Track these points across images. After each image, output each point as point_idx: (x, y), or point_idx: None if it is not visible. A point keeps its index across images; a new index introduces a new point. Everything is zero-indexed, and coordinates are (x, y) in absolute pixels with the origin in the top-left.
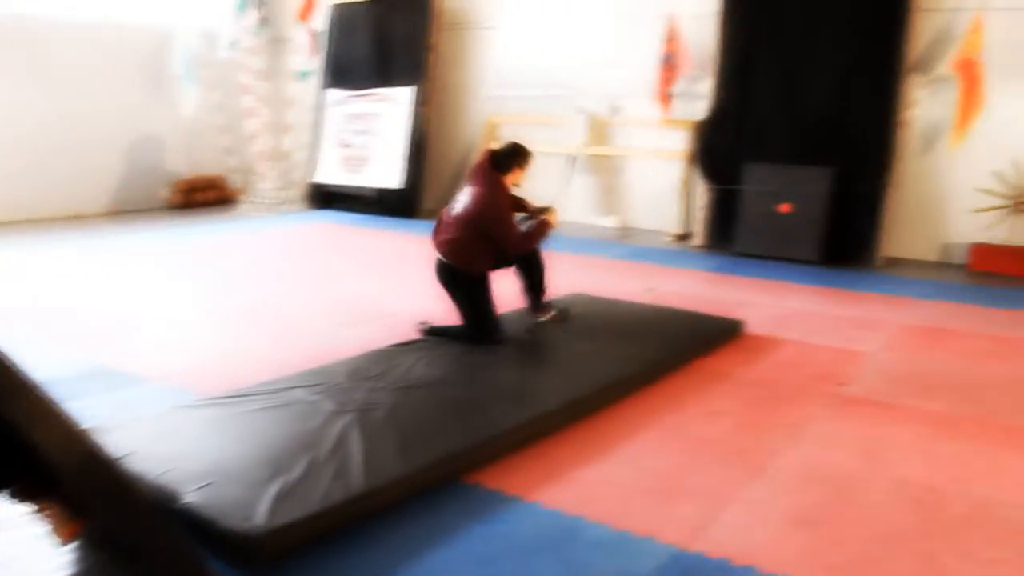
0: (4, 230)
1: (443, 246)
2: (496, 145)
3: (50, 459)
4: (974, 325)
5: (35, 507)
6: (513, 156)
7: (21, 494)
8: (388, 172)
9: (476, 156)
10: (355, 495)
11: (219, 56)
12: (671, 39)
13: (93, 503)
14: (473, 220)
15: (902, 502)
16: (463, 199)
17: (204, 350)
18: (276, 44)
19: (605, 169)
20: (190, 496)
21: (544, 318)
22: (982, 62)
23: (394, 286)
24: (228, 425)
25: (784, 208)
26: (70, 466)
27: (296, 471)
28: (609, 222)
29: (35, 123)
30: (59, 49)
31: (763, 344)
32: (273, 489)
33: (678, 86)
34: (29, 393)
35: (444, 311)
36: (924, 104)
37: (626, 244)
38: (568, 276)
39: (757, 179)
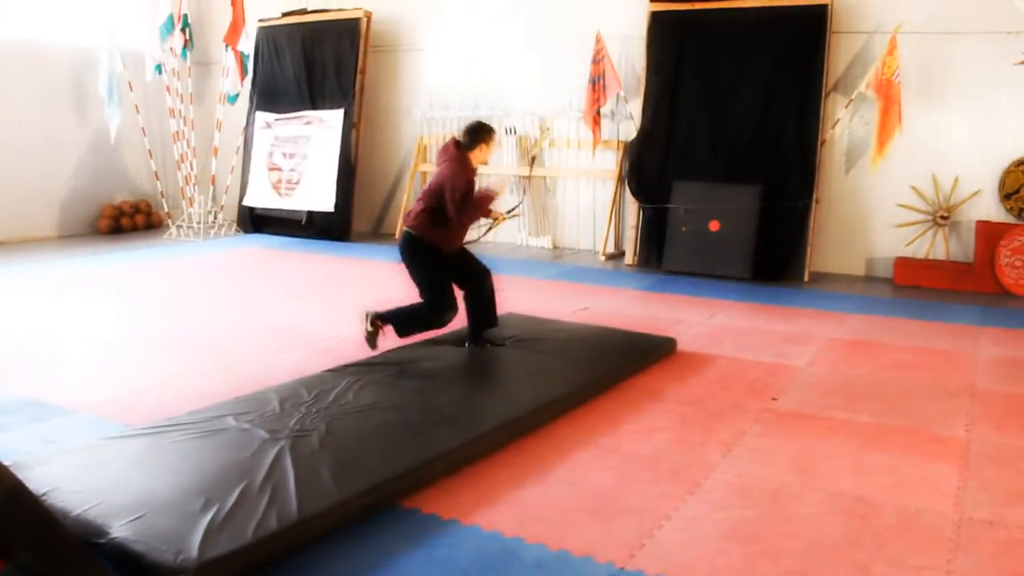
0: None
1: (408, 217)
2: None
3: None
4: (899, 337)
5: None
6: (477, 133)
7: None
8: (319, 195)
9: (406, 180)
10: (290, 524)
11: (144, 79)
12: (598, 60)
13: (15, 541)
14: (435, 190)
15: (834, 513)
16: (430, 178)
17: (132, 379)
18: (203, 67)
19: (536, 190)
20: (118, 530)
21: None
22: (899, 82)
23: (327, 310)
24: (157, 456)
25: (713, 226)
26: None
27: (229, 501)
28: (541, 242)
29: None
30: None
31: (696, 361)
32: (205, 521)
33: (607, 106)
34: None
35: (385, 331)
36: (846, 123)
37: (558, 264)
38: (500, 296)
39: (686, 197)
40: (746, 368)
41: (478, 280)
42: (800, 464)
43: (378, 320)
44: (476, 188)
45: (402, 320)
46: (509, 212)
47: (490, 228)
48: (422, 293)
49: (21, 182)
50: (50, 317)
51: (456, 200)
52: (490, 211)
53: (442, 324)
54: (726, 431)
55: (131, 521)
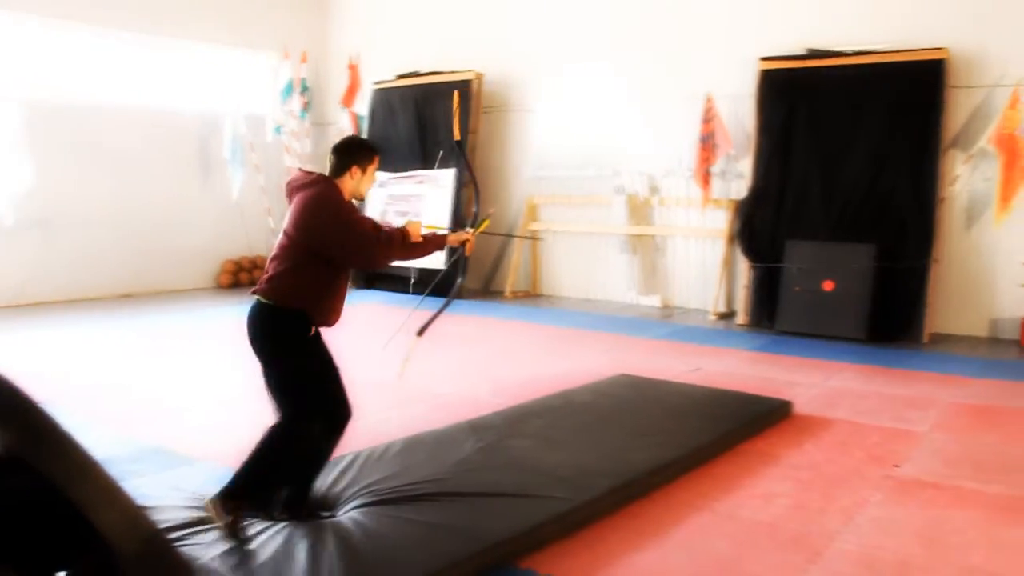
0: (60, 309)
1: (259, 284)
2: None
3: (111, 541)
4: None
5: None
6: (350, 152)
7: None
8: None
9: (517, 239)
10: None
11: (265, 140)
12: (709, 119)
13: None
14: (303, 231)
15: None
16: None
17: (253, 430)
18: (320, 128)
19: (646, 248)
20: None
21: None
22: (1022, 136)
23: (438, 366)
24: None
25: (827, 286)
26: (130, 550)
27: (350, 558)
28: (651, 301)
29: (90, 205)
30: (116, 134)
31: (812, 424)
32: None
33: (717, 165)
34: (94, 475)
35: (488, 393)
36: (965, 180)
37: (669, 323)
38: (610, 356)
39: (799, 257)
40: (865, 433)
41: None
42: (927, 536)
43: (228, 502)
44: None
45: (255, 479)
46: (476, 224)
47: (460, 269)
48: (281, 395)
49: (149, 238)
50: (174, 367)
51: (363, 238)
52: (443, 239)
53: (311, 441)
54: (846, 498)
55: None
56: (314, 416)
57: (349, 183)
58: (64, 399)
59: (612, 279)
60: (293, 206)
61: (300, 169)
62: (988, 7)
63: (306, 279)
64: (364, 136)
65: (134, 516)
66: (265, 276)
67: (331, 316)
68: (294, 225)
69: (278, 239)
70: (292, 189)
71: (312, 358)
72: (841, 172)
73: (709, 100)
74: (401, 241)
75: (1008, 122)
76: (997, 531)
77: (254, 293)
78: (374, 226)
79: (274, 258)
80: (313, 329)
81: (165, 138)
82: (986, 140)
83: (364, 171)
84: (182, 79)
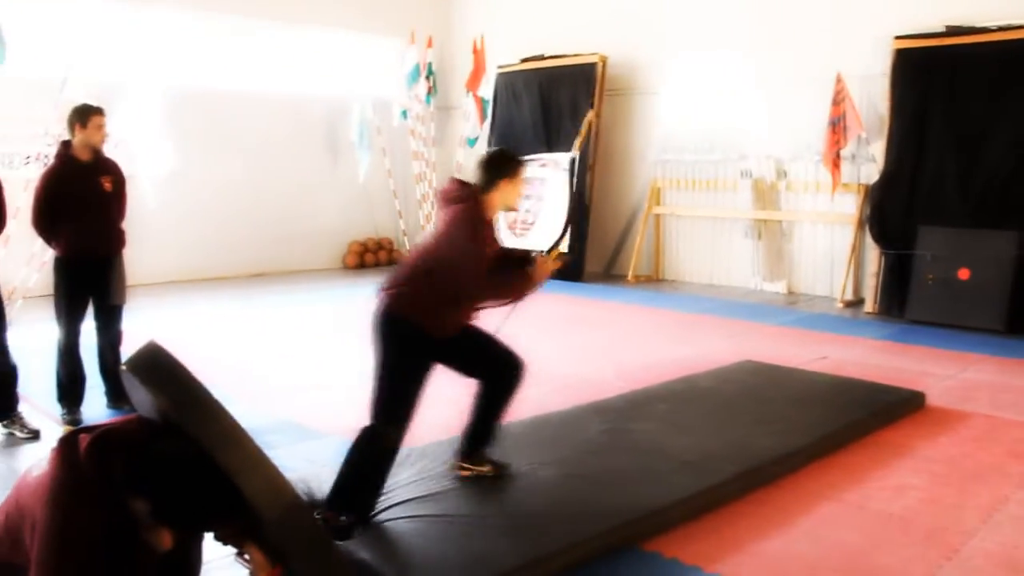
0: (197, 287)
1: (384, 290)
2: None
3: (256, 506)
4: None
5: (238, 549)
6: (498, 166)
7: (227, 537)
8: (553, 236)
9: (639, 222)
10: (531, 559)
11: (391, 124)
12: (839, 100)
13: (291, 550)
14: (431, 253)
15: None
16: (430, 231)
17: None
18: (444, 112)
19: (772, 233)
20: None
21: (467, 472)
22: None
23: (562, 349)
24: (405, 486)
25: (963, 274)
26: (273, 515)
27: (470, 535)
28: (776, 287)
29: (224, 188)
30: (249, 119)
31: (947, 417)
32: (447, 553)
33: (847, 148)
34: (241, 442)
35: (612, 375)
36: None
37: (794, 310)
38: (735, 341)
39: (933, 243)
40: (1005, 428)
41: (500, 367)
42: None
43: (328, 513)
44: (496, 247)
45: (348, 488)
46: (551, 252)
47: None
48: (378, 393)
49: (280, 220)
50: (304, 345)
51: (475, 280)
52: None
53: (386, 447)
54: (985, 495)
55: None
56: (395, 420)
57: (497, 197)
58: (203, 374)
59: (736, 264)
60: (441, 218)
61: (454, 179)
62: None
63: (425, 290)
64: (488, 119)
65: (277, 483)
66: (393, 279)
67: (447, 327)
68: (435, 237)
69: (415, 249)
70: (443, 200)
71: (416, 368)
72: (980, 155)
73: (840, 81)
74: (503, 291)
75: None
76: None
77: (384, 291)
78: (499, 256)
79: (406, 263)
80: (426, 337)
81: (296, 122)
82: None
83: (512, 182)
84: (312, 65)
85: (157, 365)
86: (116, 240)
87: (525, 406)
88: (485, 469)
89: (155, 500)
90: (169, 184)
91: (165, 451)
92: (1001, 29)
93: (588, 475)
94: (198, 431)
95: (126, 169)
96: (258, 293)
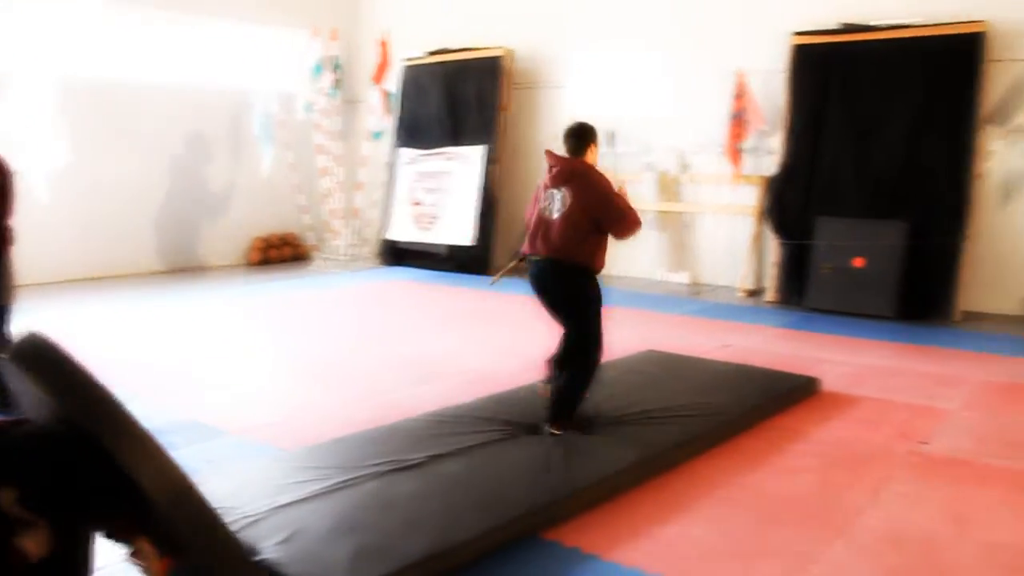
0: (93, 286)
1: (556, 244)
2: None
3: (146, 491)
4: None
5: (129, 546)
6: (586, 134)
7: (116, 532)
8: (459, 230)
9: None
10: (434, 552)
11: (295, 118)
12: (740, 95)
13: (182, 539)
14: (588, 210)
15: (993, 567)
16: (560, 196)
17: (281, 405)
18: (350, 105)
19: (675, 225)
20: (268, 552)
21: (557, 430)
22: None
23: (466, 343)
24: (308, 481)
25: (858, 263)
26: (164, 499)
27: (374, 529)
28: (679, 278)
29: (123, 182)
30: (148, 113)
31: (840, 401)
32: (351, 547)
33: (748, 141)
34: (129, 427)
35: (518, 368)
36: (1001, 156)
37: (697, 300)
38: (639, 332)
39: (829, 234)
40: (893, 410)
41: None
42: (954, 512)
43: (561, 424)
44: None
45: (573, 401)
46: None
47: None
48: (582, 330)
49: (180, 216)
50: (205, 344)
51: (629, 215)
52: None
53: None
54: (873, 475)
55: (279, 543)
56: (599, 339)
57: (590, 157)
58: (100, 372)
59: (641, 256)
60: (569, 186)
61: (556, 155)
62: None
63: (593, 240)
64: (394, 113)
65: (167, 467)
66: (551, 240)
67: (602, 266)
68: (582, 202)
69: (556, 211)
70: (563, 175)
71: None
72: (874, 148)
73: (740, 76)
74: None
75: None
76: (1022, 507)
77: (546, 254)
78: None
79: (556, 225)
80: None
81: (197, 116)
82: None
83: (596, 144)
84: (214, 57)
85: (40, 353)
86: (1, 238)
87: (428, 401)
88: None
89: (22, 485)
90: (63, 179)
91: (30, 429)
92: (892, 27)
93: (489, 467)
94: (84, 416)
95: (13, 163)
96: (158, 291)
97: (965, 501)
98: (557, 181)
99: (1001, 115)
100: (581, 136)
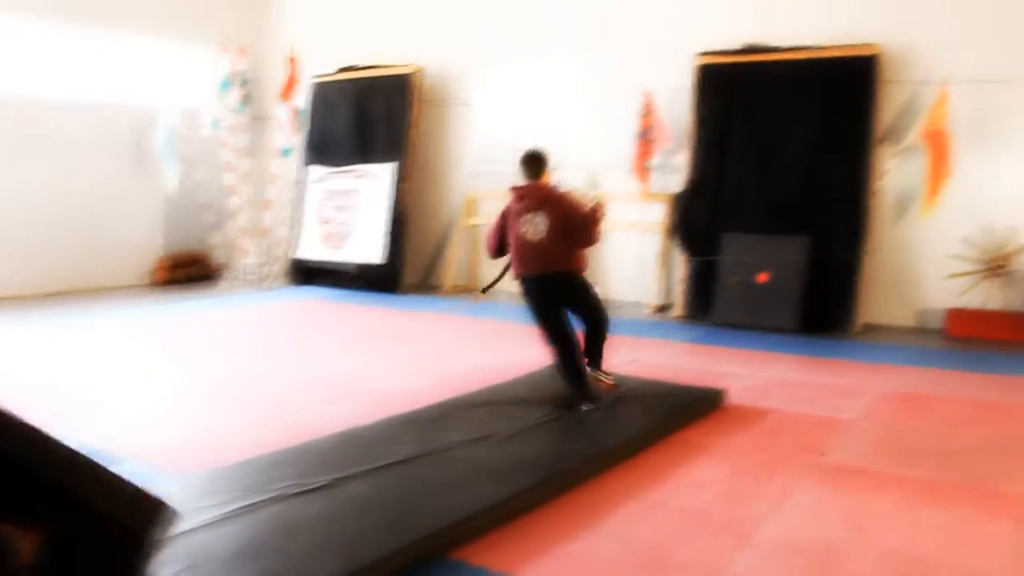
0: None
1: (546, 261)
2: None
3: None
4: (953, 390)
5: None
6: (543, 159)
7: None
8: (369, 248)
9: (455, 233)
10: (340, 575)
11: (202, 134)
12: (647, 113)
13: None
14: (561, 225)
15: (888, 572)
16: (537, 220)
17: (185, 428)
18: (258, 122)
19: None
20: None
21: (606, 380)
22: (949, 132)
23: (376, 361)
24: (212, 506)
25: (762, 278)
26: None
27: (280, 553)
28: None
29: (23, 200)
30: (46, 128)
31: (745, 414)
32: (258, 573)
33: (655, 159)
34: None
35: (428, 387)
36: (895, 173)
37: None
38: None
39: (734, 249)
40: (796, 421)
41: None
42: (852, 519)
43: (602, 373)
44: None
45: (601, 351)
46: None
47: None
48: (594, 307)
49: (82, 234)
50: (106, 366)
51: (592, 227)
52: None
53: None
54: (776, 485)
55: (181, 571)
56: (604, 306)
57: (547, 179)
58: None
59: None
60: (544, 210)
61: (516, 187)
62: (918, 5)
63: (573, 248)
64: (303, 129)
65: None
66: (541, 259)
67: (586, 265)
68: (556, 221)
69: (537, 234)
70: (535, 201)
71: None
72: (776, 166)
73: (647, 95)
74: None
75: (935, 118)
76: (917, 513)
77: (539, 271)
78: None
79: (541, 246)
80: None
81: (99, 131)
82: (915, 135)
83: (549, 170)
84: (118, 71)
85: None
86: None
87: (334, 421)
88: (610, 380)
89: None
90: None
91: None
92: (792, 49)
93: (397, 488)
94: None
95: None
96: (57, 312)
97: (863, 508)
98: (532, 207)
99: (894, 134)
100: (540, 161)
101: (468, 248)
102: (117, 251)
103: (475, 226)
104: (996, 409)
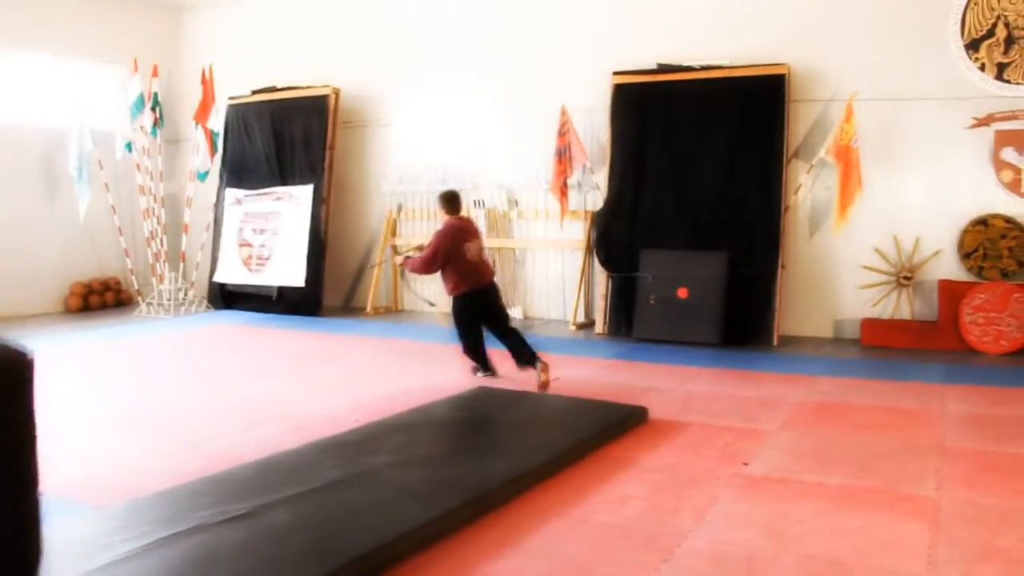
0: None
1: (487, 273)
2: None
3: None
4: (868, 398)
5: None
6: (459, 199)
7: None
8: (290, 270)
9: (376, 254)
10: None
11: (115, 157)
12: (564, 132)
13: None
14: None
15: None
16: (478, 244)
17: (100, 459)
18: (173, 145)
19: (506, 261)
20: None
21: (547, 374)
22: (857, 147)
23: (297, 386)
24: (130, 539)
25: (681, 293)
26: None
27: None
28: (512, 313)
29: None
30: None
31: (667, 428)
32: None
33: (573, 177)
34: None
35: (346, 408)
36: (808, 189)
37: (529, 335)
38: (470, 370)
39: (654, 265)
40: (717, 434)
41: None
42: (773, 528)
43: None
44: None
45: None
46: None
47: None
48: (507, 318)
49: None
50: None
51: None
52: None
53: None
54: (698, 498)
55: None
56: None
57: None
58: None
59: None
60: (478, 236)
61: (463, 218)
62: (824, 25)
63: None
64: (219, 153)
65: None
66: (487, 272)
67: None
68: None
69: (479, 253)
70: (472, 229)
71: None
72: (692, 182)
73: (564, 113)
74: None
75: (844, 134)
76: (835, 519)
77: (490, 280)
78: None
79: (484, 263)
80: None
81: (7, 153)
82: (825, 151)
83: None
84: (26, 92)
85: None
86: None
87: (255, 448)
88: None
89: None
90: None
91: None
92: (704, 68)
93: (320, 513)
94: None
95: None
96: None
97: (783, 517)
98: (475, 234)
99: (805, 151)
100: (459, 199)
101: (390, 269)
102: (29, 277)
103: (396, 247)
104: (908, 415)
